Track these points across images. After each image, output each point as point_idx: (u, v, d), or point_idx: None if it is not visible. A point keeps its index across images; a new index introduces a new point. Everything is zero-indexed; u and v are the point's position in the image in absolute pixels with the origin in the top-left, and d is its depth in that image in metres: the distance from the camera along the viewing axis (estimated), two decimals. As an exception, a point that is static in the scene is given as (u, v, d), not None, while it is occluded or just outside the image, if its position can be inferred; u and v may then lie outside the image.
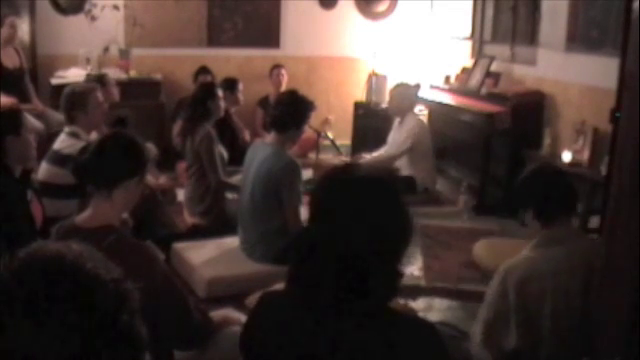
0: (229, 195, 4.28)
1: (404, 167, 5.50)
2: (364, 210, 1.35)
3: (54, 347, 0.81)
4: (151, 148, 4.22)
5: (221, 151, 4.27)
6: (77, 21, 6.39)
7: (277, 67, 6.76)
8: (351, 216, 1.35)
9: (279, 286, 1.52)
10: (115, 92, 5.04)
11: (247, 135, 6.02)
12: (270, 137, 3.60)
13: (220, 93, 4.39)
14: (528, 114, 5.22)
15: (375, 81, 7.01)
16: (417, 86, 5.85)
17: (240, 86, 5.76)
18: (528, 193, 2.33)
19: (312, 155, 5.80)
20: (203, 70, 6.23)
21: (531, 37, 5.50)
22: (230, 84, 5.60)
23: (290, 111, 3.49)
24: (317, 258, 1.36)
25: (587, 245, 2.31)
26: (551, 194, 2.27)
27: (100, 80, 4.87)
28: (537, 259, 2.25)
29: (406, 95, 5.54)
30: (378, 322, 1.35)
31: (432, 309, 3.48)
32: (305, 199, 3.37)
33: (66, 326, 0.82)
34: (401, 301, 3.06)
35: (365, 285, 1.33)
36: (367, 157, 5.49)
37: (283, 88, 6.44)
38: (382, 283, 1.36)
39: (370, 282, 1.33)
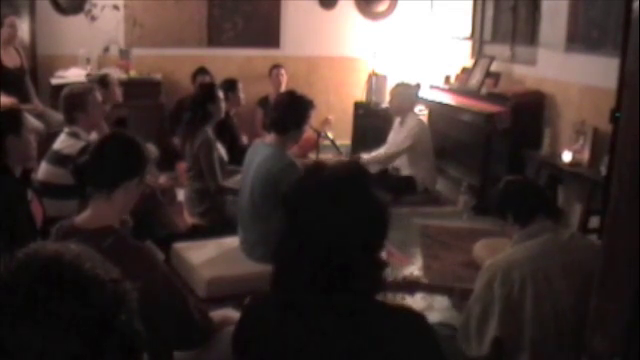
0: (229, 196, 4.27)
1: (404, 167, 5.51)
2: (334, 208, 1.37)
3: (52, 347, 0.81)
4: (151, 149, 4.22)
5: (220, 153, 4.26)
6: (77, 21, 6.39)
7: (277, 67, 6.75)
8: (323, 214, 1.37)
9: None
10: (118, 92, 5.03)
11: (245, 139, 5.98)
12: (270, 137, 3.59)
13: (221, 94, 4.37)
14: (528, 114, 5.22)
15: (375, 81, 7.01)
16: (417, 86, 5.85)
17: (240, 86, 5.75)
18: (504, 202, 2.61)
19: (312, 155, 5.78)
20: (201, 71, 6.21)
21: (531, 37, 5.50)
22: (230, 85, 5.58)
23: (290, 112, 3.48)
24: (297, 260, 1.38)
25: (565, 235, 2.50)
26: (522, 200, 2.54)
27: (103, 80, 4.87)
28: (515, 251, 2.46)
29: (407, 95, 5.55)
30: (365, 315, 1.36)
31: (432, 309, 3.48)
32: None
33: (64, 326, 0.82)
34: (398, 298, 3.07)
35: (348, 279, 1.35)
36: (365, 156, 5.49)
37: (283, 88, 6.43)
38: (365, 275, 1.37)
39: (353, 275, 1.35)
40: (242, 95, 5.75)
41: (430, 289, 3.67)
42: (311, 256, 1.36)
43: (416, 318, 1.41)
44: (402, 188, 5.31)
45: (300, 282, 1.37)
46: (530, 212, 2.50)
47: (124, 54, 6.36)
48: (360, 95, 7.18)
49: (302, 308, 1.37)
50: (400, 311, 1.44)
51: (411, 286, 3.53)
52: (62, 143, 3.68)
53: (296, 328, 1.38)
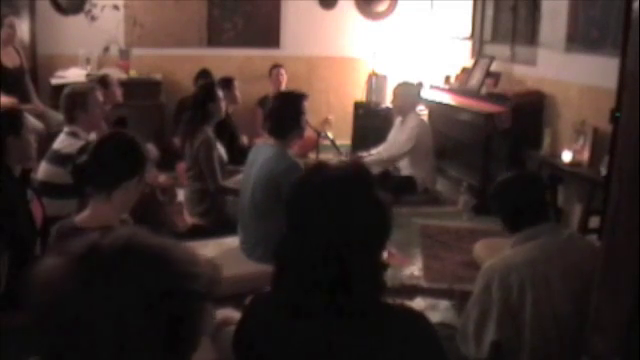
0: (229, 197, 4.27)
1: (404, 167, 5.51)
2: (337, 209, 1.36)
3: (126, 316, 0.89)
4: (151, 149, 4.22)
5: (220, 153, 4.25)
6: (77, 21, 6.40)
7: (276, 67, 6.75)
8: (325, 217, 1.36)
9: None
10: (118, 93, 5.03)
11: (245, 139, 5.98)
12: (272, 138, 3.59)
13: (220, 94, 4.37)
14: (528, 114, 5.22)
15: (375, 81, 7.01)
16: (420, 84, 5.87)
17: (236, 84, 5.73)
18: (503, 203, 2.53)
19: (312, 155, 5.79)
20: (203, 73, 6.20)
21: (531, 37, 5.50)
22: (226, 83, 5.56)
23: (284, 113, 3.47)
24: (297, 260, 1.38)
25: (565, 237, 2.45)
26: (523, 202, 2.45)
27: (103, 81, 4.86)
28: (515, 254, 2.40)
29: (410, 93, 5.57)
30: (366, 317, 1.36)
31: (432, 309, 3.48)
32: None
33: (141, 298, 0.90)
34: (398, 302, 3.06)
35: (348, 280, 1.34)
36: (367, 157, 5.49)
37: (283, 88, 6.43)
38: (365, 278, 1.36)
39: (353, 276, 1.34)
40: (238, 93, 5.74)
41: (429, 293, 3.68)
42: (311, 256, 1.35)
43: (417, 318, 1.41)
44: (402, 188, 5.31)
45: (301, 282, 1.37)
46: (530, 214, 2.45)
47: (124, 54, 6.36)
48: (360, 95, 7.18)
49: (303, 309, 1.37)
50: (401, 312, 1.44)
51: (410, 291, 3.54)
52: (61, 143, 3.67)
53: (297, 329, 1.38)
